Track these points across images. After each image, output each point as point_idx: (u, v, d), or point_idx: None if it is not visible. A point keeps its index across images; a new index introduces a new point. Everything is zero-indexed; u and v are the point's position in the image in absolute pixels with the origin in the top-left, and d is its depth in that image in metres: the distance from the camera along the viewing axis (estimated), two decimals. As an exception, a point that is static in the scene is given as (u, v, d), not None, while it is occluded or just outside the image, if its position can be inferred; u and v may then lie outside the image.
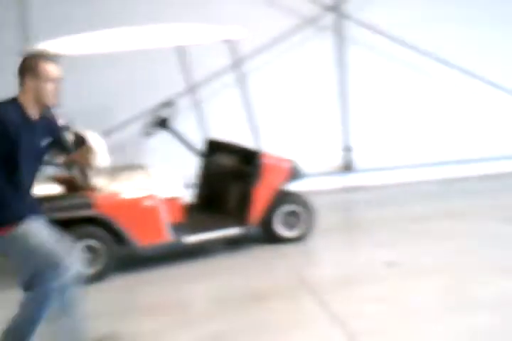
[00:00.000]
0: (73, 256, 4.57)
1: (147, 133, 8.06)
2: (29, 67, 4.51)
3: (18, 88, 4.55)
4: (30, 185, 4.64)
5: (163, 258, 7.03)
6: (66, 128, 4.95)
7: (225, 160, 8.02)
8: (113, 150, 6.35)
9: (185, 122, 8.38)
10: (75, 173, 6.74)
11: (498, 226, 7.62)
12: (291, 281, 6.38)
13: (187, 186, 7.79)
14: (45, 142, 4.66)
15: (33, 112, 4.53)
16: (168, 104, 8.03)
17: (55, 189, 6.83)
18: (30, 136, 4.48)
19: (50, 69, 4.52)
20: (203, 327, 5.40)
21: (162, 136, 8.13)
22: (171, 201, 7.16)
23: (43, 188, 6.33)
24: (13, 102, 4.49)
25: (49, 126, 4.75)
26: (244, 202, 7.42)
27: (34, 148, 4.55)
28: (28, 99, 4.50)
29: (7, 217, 4.43)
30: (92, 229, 6.72)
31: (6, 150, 4.37)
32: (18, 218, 4.45)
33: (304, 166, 7.93)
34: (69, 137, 4.93)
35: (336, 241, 7.67)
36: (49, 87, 4.50)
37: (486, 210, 8.35)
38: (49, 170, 6.49)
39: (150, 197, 6.90)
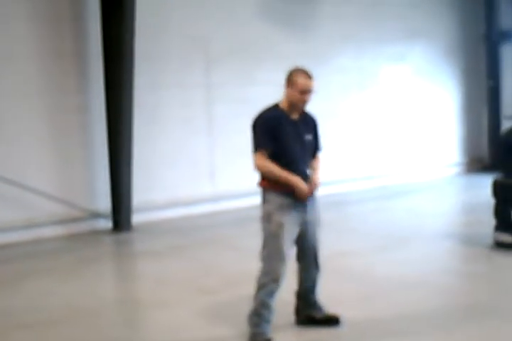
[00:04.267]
0: None
1: None
2: (291, 76, 5.74)
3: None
4: (302, 170, 5.81)
5: None
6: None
7: None
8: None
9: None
10: None
11: None
12: None
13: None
14: (309, 136, 5.92)
15: (291, 114, 5.81)
16: None
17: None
18: (293, 130, 5.77)
19: (305, 81, 5.69)
20: None
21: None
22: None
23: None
24: (276, 106, 5.84)
25: (309, 123, 5.99)
26: None
27: (300, 141, 5.82)
28: (284, 104, 5.80)
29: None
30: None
31: (276, 140, 5.69)
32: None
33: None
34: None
35: None
36: (300, 95, 5.70)
37: None
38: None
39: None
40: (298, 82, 5.72)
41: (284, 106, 5.84)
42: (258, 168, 5.76)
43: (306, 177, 5.84)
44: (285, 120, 5.80)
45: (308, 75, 5.77)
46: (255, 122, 5.83)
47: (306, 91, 5.74)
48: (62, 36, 10.56)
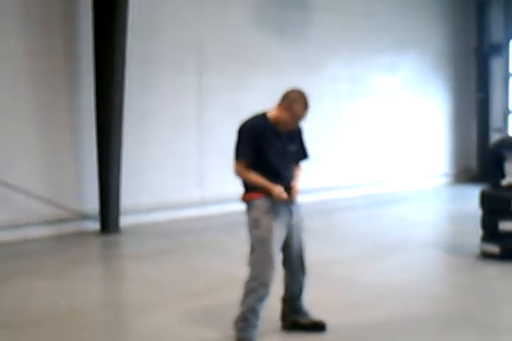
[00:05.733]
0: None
1: None
2: (289, 99, 5.71)
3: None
4: (285, 178, 5.84)
5: None
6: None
7: None
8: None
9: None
10: None
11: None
12: None
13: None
14: (292, 148, 5.93)
15: (277, 125, 5.80)
16: None
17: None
18: (277, 141, 5.79)
19: (300, 110, 5.68)
20: None
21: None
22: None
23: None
24: (263, 116, 5.82)
25: (294, 133, 5.96)
26: None
27: (284, 151, 5.84)
28: (273, 117, 5.79)
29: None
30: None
31: (259, 150, 5.70)
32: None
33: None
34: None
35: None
36: (291, 120, 5.72)
37: None
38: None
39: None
40: (294, 109, 5.71)
41: (272, 117, 5.83)
42: (237, 174, 5.80)
43: (287, 184, 5.87)
44: (270, 131, 5.80)
45: (306, 104, 5.75)
46: (240, 129, 5.83)
47: (299, 118, 5.78)
48: (53, 35, 10.55)
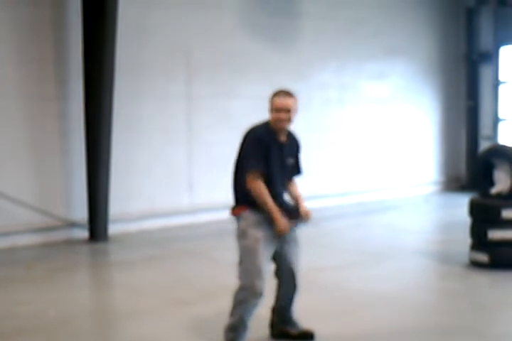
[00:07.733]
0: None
1: None
2: (270, 99, 5.79)
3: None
4: (279, 192, 5.85)
5: None
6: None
7: None
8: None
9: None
10: None
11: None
12: None
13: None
14: (291, 160, 5.94)
15: (279, 135, 5.80)
16: None
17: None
18: (278, 153, 5.77)
19: (279, 99, 5.71)
20: None
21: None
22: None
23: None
24: (266, 125, 5.80)
25: (293, 147, 6.00)
26: None
27: (281, 164, 5.82)
28: (271, 124, 5.78)
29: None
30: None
31: (264, 159, 5.68)
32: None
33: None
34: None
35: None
36: (276, 115, 5.70)
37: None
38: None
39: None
40: (274, 100, 5.77)
41: (271, 126, 5.82)
42: (252, 189, 5.68)
43: (281, 199, 5.85)
44: (273, 141, 5.78)
45: (285, 94, 5.78)
46: (246, 137, 5.80)
47: (280, 109, 5.71)
48: (42, 41, 10.53)
